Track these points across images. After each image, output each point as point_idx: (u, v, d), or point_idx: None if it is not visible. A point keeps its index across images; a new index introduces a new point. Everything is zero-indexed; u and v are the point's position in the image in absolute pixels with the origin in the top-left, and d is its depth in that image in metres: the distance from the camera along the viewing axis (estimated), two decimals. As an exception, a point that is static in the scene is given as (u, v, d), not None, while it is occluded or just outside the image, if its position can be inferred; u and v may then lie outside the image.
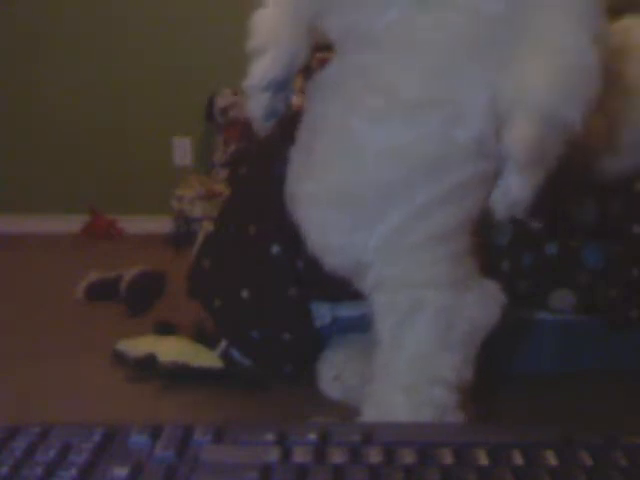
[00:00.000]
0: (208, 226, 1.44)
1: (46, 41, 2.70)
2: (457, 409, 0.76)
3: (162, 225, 2.52)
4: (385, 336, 0.79)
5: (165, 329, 1.30)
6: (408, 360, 0.77)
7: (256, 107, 0.87)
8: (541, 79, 0.69)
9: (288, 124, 0.91)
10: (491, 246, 1.07)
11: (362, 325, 0.92)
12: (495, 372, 1.04)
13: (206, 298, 1.17)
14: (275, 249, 1.06)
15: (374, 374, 0.80)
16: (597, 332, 1.13)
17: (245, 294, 1.08)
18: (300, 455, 0.40)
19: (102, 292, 1.68)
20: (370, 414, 0.78)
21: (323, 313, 1.12)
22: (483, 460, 0.39)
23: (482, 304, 0.78)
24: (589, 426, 0.43)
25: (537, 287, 1.09)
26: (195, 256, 1.26)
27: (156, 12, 2.68)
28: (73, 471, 0.38)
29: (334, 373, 1.04)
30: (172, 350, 1.19)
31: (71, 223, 2.66)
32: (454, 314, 0.77)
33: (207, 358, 1.16)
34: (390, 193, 0.75)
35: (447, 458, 0.39)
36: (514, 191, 0.71)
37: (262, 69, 0.86)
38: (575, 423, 0.44)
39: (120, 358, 1.22)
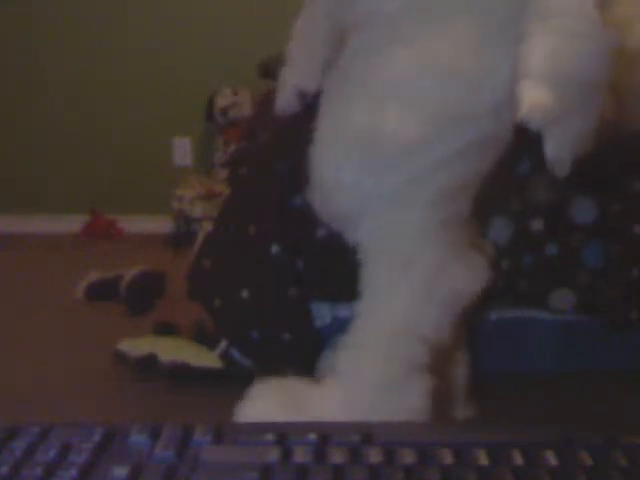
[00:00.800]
0: (208, 226, 1.44)
1: (46, 41, 2.70)
2: (426, 370, 0.77)
3: (162, 225, 2.52)
4: (373, 285, 0.80)
5: (165, 329, 1.30)
6: (389, 318, 0.78)
7: (286, 105, 0.95)
8: (547, 46, 0.71)
9: (282, 130, 0.93)
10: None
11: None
12: (495, 372, 1.04)
13: (206, 298, 1.17)
14: (275, 249, 1.06)
15: (355, 322, 0.81)
16: (597, 332, 1.12)
17: (245, 294, 1.08)
18: (300, 455, 0.40)
19: (102, 292, 1.68)
20: (343, 364, 0.79)
21: (323, 313, 1.12)
22: (483, 460, 0.39)
23: (467, 273, 0.81)
24: (589, 426, 0.43)
25: (537, 287, 1.09)
26: (195, 256, 1.26)
27: (156, 12, 2.68)
28: (73, 471, 0.38)
29: (254, 412, 0.99)
30: (172, 350, 1.19)
31: (71, 223, 2.66)
32: (440, 276, 0.79)
33: (207, 358, 1.16)
34: (408, 145, 0.77)
35: (447, 458, 0.39)
36: (549, 151, 0.72)
37: (294, 75, 0.94)
38: (575, 423, 0.44)
39: (121, 358, 1.22)
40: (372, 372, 0.77)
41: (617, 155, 1.09)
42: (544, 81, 0.70)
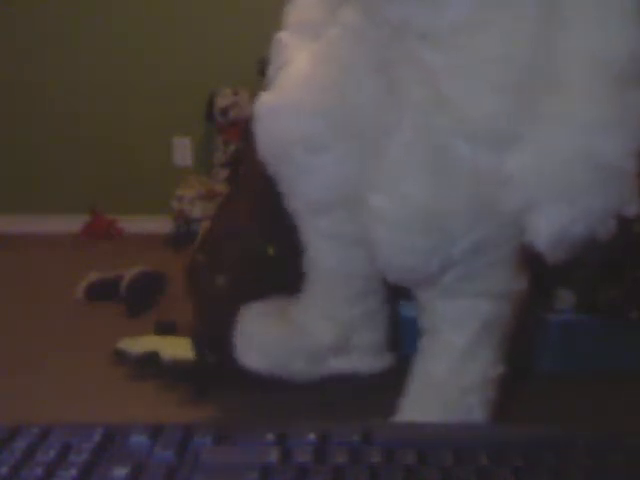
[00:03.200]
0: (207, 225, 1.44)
1: (46, 41, 2.70)
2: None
3: (162, 225, 2.52)
4: (461, 342, 0.80)
5: (165, 329, 1.30)
6: (480, 370, 0.80)
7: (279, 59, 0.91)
8: (557, 166, 0.65)
9: None
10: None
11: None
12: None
13: (195, 293, 1.17)
14: (269, 250, 1.06)
15: (436, 370, 0.81)
16: (597, 332, 1.12)
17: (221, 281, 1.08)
18: (300, 455, 0.40)
19: (102, 292, 1.68)
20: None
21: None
22: (483, 460, 0.39)
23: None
24: (589, 426, 0.43)
25: (537, 287, 1.09)
26: (192, 251, 1.26)
27: (156, 12, 2.68)
28: (73, 471, 0.38)
29: (254, 342, 0.97)
30: (173, 348, 1.19)
31: (71, 223, 2.66)
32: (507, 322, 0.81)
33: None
34: (475, 211, 0.73)
35: (447, 458, 0.39)
36: (534, 230, 0.69)
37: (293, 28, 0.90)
38: (575, 423, 0.44)
39: (121, 356, 1.22)
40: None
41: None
42: (531, 157, 0.66)
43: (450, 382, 0.80)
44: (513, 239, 0.76)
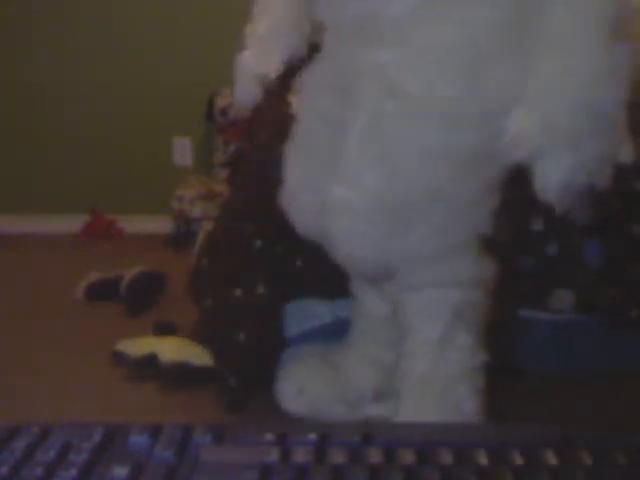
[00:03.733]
0: (208, 226, 1.44)
1: (46, 41, 2.70)
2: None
3: (162, 225, 2.52)
4: (434, 334, 0.80)
5: (165, 329, 1.30)
6: (456, 359, 0.80)
7: (244, 95, 0.88)
8: (560, 118, 0.67)
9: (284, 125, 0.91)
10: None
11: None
12: (495, 372, 1.04)
13: (200, 296, 1.17)
14: (258, 244, 1.06)
15: (415, 366, 0.81)
16: (597, 332, 1.13)
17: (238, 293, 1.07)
18: (300, 455, 0.40)
19: (102, 292, 1.68)
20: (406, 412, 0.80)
21: (323, 313, 1.12)
22: (483, 460, 0.39)
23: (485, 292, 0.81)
24: (589, 426, 0.43)
25: (537, 287, 1.09)
26: (196, 255, 1.26)
27: (156, 12, 2.68)
28: (73, 471, 0.38)
29: (297, 387, 0.98)
30: (172, 350, 1.19)
31: (71, 223, 2.66)
32: (479, 310, 0.80)
33: (207, 358, 1.16)
34: (432, 194, 0.74)
35: (447, 458, 0.39)
36: (544, 179, 0.70)
37: (253, 60, 0.87)
38: (575, 423, 0.44)
39: (120, 358, 1.22)
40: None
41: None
42: (535, 112, 0.68)
43: (435, 376, 0.80)
44: (471, 222, 0.76)
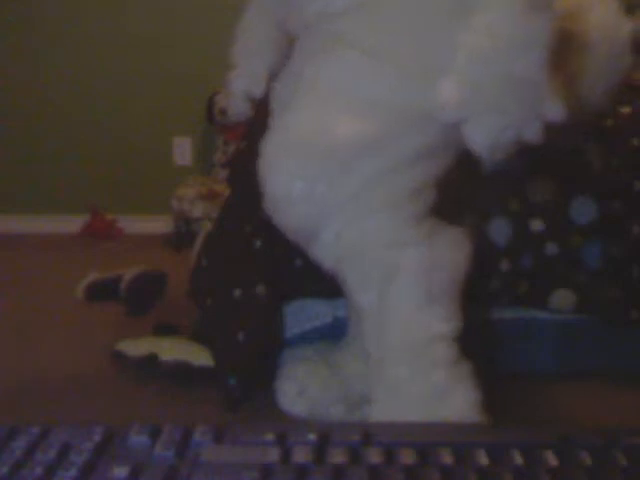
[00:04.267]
0: (208, 226, 1.44)
1: (46, 41, 2.70)
2: (462, 360, 0.76)
3: (162, 225, 2.52)
4: (367, 308, 0.78)
5: (165, 329, 1.30)
6: (401, 328, 0.76)
7: (236, 109, 0.93)
8: (481, 85, 0.70)
9: None
10: (491, 246, 1.07)
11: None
12: (495, 372, 1.04)
13: (200, 296, 1.17)
14: (258, 244, 1.06)
15: (367, 351, 0.79)
16: (597, 332, 1.13)
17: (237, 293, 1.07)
18: (300, 455, 0.40)
19: (102, 292, 1.68)
20: (380, 397, 0.77)
21: (324, 312, 1.12)
22: (483, 460, 0.39)
23: (453, 249, 0.79)
24: (589, 426, 0.43)
25: (537, 287, 1.09)
26: (196, 255, 1.26)
27: (156, 12, 2.68)
28: (73, 471, 0.38)
29: (297, 389, 0.97)
30: (172, 350, 1.19)
31: (71, 223, 2.66)
32: (431, 268, 0.77)
33: (207, 358, 1.16)
34: (359, 144, 0.75)
35: (447, 458, 0.39)
36: (472, 137, 0.72)
37: (240, 80, 0.91)
38: (575, 423, 0.44)
39: (120, 358, 1.22)
40: (412, 389, 0.75)
41: (617, 154, 1.09)
42: (462, 78, 0.70)
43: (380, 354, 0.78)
44: (402, 182, 0.76)
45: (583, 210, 1.08)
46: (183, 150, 2.81)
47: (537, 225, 1.07)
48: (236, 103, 0.95)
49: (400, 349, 0.76)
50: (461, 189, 0.85)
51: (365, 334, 0.80)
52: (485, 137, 0.72)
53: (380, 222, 0.77)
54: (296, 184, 0.77)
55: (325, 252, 0.80)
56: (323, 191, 0.76)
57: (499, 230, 1.07)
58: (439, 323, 0.76)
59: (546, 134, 0.72)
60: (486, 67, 0.71)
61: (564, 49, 0.73)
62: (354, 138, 0.75)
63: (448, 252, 0.78)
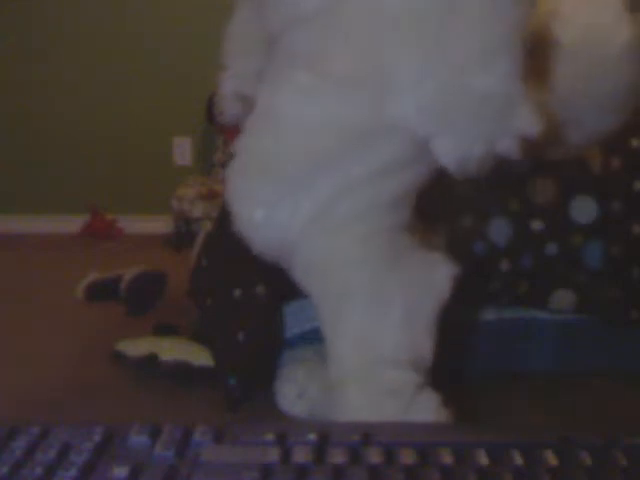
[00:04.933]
0: (208, 226, 1.44)
1: (46, 41, 2.70)
2: (425, 390, 0.71)
3: (162, 225, 2.52)
4: (325, 323, 0.76)
5: (165, 329, 1.30)
6: (348, 348, 0.73)
7: (229, 110, 0.91)
8: (448, 99, 0.69)
9: None
10: (491, 246, 1.07)
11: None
12: (495, 372, 1.04)
13: (199, 296, 1.17)
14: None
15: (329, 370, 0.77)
16: (597, 332, 1.12)
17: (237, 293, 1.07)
18: (300, 455, 0.40)
19: (102, 292, 1.68)
20: (336, 414, 0.75)
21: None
22: (483, 460, 0.39)
23: (425, 279, 0.75)
24: (589, 426, 0.43)
25: (537, 287, 1.09)
26: (196, 255, 1.26)
27: (156, 12, 2.68)
28: (73, 471, 0.38)
29: (297, 390, 0.97)
30: (172, 350, 1.19)
31: (71, 223, 2.66)
32: (389, 293, 0.73)
33: (207, 358, 1.16)
34: (314, 164, 0.73)
35: (447, 458, 0.39)
36: (440, 152, 0.70)
37: (231, 80, 0.90)
38: (575, 423, 0.44)
39: (120, 358, 1.22)
40: (374, 408, 0.72)
41: (618, 154, 1.09)
42: (423, 93, 0.69)
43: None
44: (360, 201, 0.74)
45: (583, 210, 1.08)
46: (183, 150, 2.81)
47: (537, 225, 1.07)
48: (228, 104, 0.94)
49: (354, 374, 0.73)
50: (443, 197, 0.84)
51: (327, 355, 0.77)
52: (452, 151, 0.70)
53: (340, 240, 0.74)
54: (257, 210, 0.76)
55: (295, 272, 0.79)
56: (283, 215, 0.74)
57: (499, 230, 1.07)
58: (393, 348, 0.72)
59: (526, 148, 0.69)
60: (445, 81, 0.68)
61: (541, 55, 0.70)
62: (307, 158, 0.73)
63: (419, 282, 0.75)
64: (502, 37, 0.67)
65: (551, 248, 1.07)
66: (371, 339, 0.73)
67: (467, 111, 0.69)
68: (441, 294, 0.75)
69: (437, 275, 0.76)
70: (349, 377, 0.73)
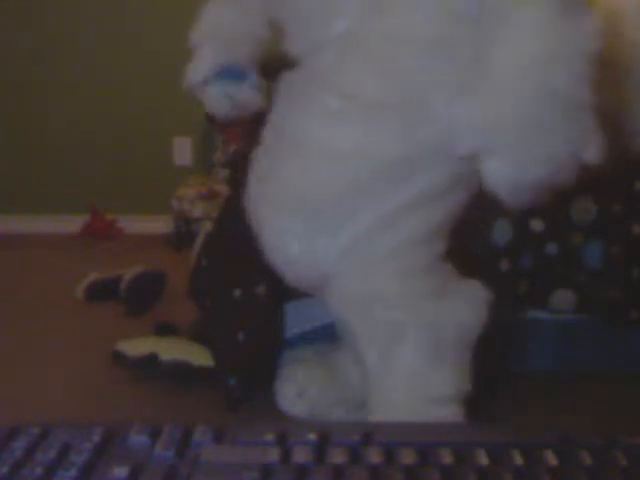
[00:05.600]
0: (208, 226, 1.44)
1: (46, 41, 2.70)
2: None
3: (162, 225, 2.52)
4: (371, 361, 0.74)
5: (165, 329, 1.30)
6: (402, 386, 0.73)
7: (209, 101, 0.87)
8: (510, 107, 0.62)
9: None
10: (491, 246, 1.07)
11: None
12: (496, 372, 1.04)
13: (200, 297, 1.17)
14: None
15: (368, 399, 0.76)
16: (597, 332, 1.13)
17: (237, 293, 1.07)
18: (300, 455, 0.40)
19: (102, 292, 1.68)
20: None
21: (323, 313, 1.12)
22: (483, 460, 0.39)
23: (467, 307, 0.74)
24: (589, 426, 0.43)
25: (537, 287, 1.09)
26: (196, 255, 1.26)
27: (156, 12, 2.68)
28: (73, 471, 0.38)
29: (297, 390, 0.96)
30: (172, 350, 1.19)
31: (71, 223, 2.66)
32: (440, 327, 0.72)
33: (207, 358, 1.16)
34: (349, 195, 0.71)
35: (447, 458, 0.39)
36: (490, 176, 0.65)
37: (198, 62, 0.85)
38: (575, 423, 0.44)
39: (120, 358, 1.22)
40: None
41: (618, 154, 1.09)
42: (486, 101, 0.64)
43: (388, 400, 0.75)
44: (405, 231, 0.72)
45: (583, 210, 1.08)
46: (183, 150, 2.81)
47: (537, 225, 1.07)
48: (216, 104, 0.91)
49: (402, 412, 0.73)
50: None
51: (370, 391, 0.76)
52: (509, 173, 0.63)
53: (383, 275, 0.72)
54: (292, 245, 0.74)
55: (329, 304, 0.77)
56: (320, 249, 0.72)
57: (499, 230, 1.07)
58: (441, 386, 0.72)
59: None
60: (509, 86, 0.62)
61: (599, 74, 0.61)
62: (340, 189, 0.71)
63: (460, 309, 0.73)
64: (577, 36, 0.61)
65: (551, 248, 1.07)
66: (421, 378, 0.72)
67: (531, 117, 0.62)
68: (481, 323, 0.74)
69: (476, 305, 0.74)
70: (398, 415, 0.72)
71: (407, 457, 0.39)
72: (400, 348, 0.73)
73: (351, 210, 0.71)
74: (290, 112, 0.76)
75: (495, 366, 0.80)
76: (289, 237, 0.74)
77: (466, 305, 0.74)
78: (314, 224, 0.73)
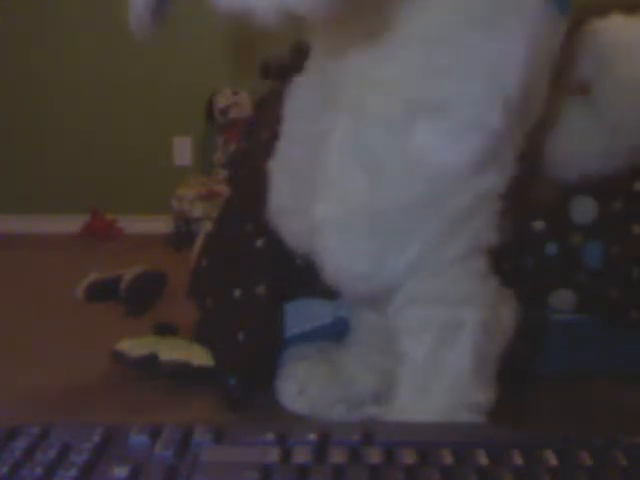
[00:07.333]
0: (208, 226, 1.44)
1: (46, 40, 2.70)
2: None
3: (162, 225, 2.52)
4: (419, 356, 0.74)
5: (165, 329, 1.30)
6: (447, 386, 0.73)
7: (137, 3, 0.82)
8: None
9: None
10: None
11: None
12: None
13: (200, 297, 1.17)
14: (260, 243, 1.06)
15: (400, 393, 0.75)
16: (597, 332, 1.12)
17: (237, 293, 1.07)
18: (300, 455, 0.40)
19: (102, 292, 1.68)
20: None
21: (325, 313, 1.12)
22: (483, 460, 0.39)
23: (509, 313, 0.76)
24: (589, 426, 0.43)
25: (537, 287, 1.09)
26: (197, 255, 1.26)
27: (156, 12, 2.68)
28: (73, 471, 0.38)
29: (298, 388, 0.96)
30: (172, 350, 1.19)
31: (71, 223, 2.66)
32: (492, 330, 0.73)
33: (207, 358, 1.16)
34: (419, 207, 0.70)
35: (447, 458, 0.39)
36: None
37: None
38: (575, 423, 0.45)
39: (120, 358, 1.22)
40: None
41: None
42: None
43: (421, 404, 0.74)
44: (468, 235, 0.72)
45: (583, 210, 1.08)
46: (183, 150, 2.81)
47: (537, 225, 1.07)
48: (138, 15, 0.82)
49: (435, 415, 0.71)
50: None
51: (402, 381, 0.75)
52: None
53: (446, 280, 0.73)
54: (362, 264, 0.73)
55: (398, 305, 0.76)
56: (390, 264, 0.72)
57: (499, 230, 1.07)
58: (479, 392, 0.72)
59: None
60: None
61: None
62: (405, 203, 0.70)
63: (506, 316, 0.75)
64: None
65: (551, 248, 1.07)
66: (464, 384, 0.72)
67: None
68: (514, 329, 0.75)
69: (513, 311, 0.76)
70: (429, 416, 0.71)
71: (407, 457, 0.39)
72: (454, 345, 0.73)
73: (419, 219, 0.71)
74: (339, 121, 0.73)
75: (520, 371, 0.80)
76: (358, 257, 0.73)
77: (509, 311, 0.76)
78: (384, 240, 0.72)
